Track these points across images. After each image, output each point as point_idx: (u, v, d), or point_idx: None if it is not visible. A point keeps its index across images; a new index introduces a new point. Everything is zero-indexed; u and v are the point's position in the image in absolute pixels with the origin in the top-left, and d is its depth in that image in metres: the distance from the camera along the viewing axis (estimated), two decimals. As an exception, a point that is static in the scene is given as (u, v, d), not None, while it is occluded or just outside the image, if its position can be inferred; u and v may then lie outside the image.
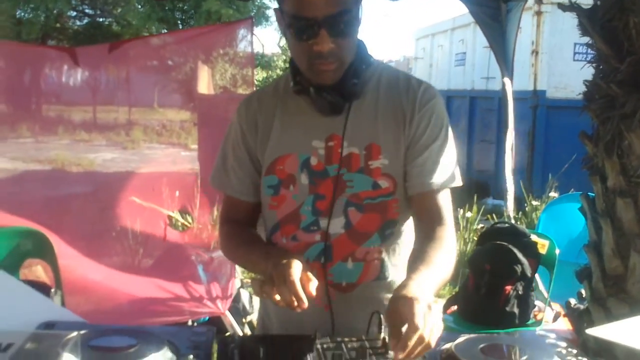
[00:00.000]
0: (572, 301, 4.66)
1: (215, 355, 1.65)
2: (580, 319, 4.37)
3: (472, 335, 1.80)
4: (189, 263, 4.48)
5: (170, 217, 5.15)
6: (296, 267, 1.72)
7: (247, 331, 4.51)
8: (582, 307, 4.54)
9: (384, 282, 2.03)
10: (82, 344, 1.59)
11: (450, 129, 2.05)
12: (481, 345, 1.70)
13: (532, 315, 4.20)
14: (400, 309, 1.60)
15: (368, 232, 2.01)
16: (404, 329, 1.55)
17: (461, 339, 1.75)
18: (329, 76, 1.90)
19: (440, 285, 1.83)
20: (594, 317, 3.72)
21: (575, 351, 1.74)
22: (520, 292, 4.04)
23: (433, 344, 1.57)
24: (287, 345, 1.71)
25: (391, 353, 1.55)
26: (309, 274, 1.73)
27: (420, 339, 1.54)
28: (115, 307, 4.07)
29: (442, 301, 4.81)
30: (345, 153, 1.97)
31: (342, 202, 1.99)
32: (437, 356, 1.69)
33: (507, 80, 5.98)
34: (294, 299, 1.67)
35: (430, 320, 1.57)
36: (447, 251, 1.90)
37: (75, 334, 1.31)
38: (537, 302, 4.26)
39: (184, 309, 4.12)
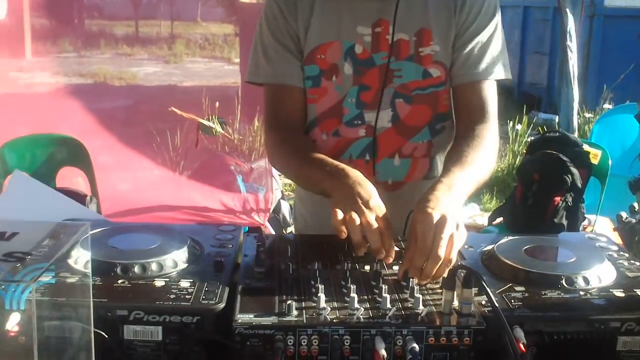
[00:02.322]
0: (624, 214, 4.49)
1: (240, 254, 1.56)
2: (631, 232, 4.21)
3: (514, 237, 1.68)
4: (228, 173, 4.41)
5: (210, 128, 5.06)
6: (384, 209, 1.53)
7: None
8: (633, 220, 4.38)
9: (431, 181, 1.91)
10: (101, 240, 1.52)
11: (500, 20, 1.89)
12: (525, 247, 1.58)
13: (581, 228, 4.06)
14: (416, 229, 1.44)
15: (417, 125, 1.87)
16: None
17: (504, 240, 1.63)
18: None
19: (475, 187, 1.68)
20: (647, 228, 3.56)
21: (627, 255, 1.61)
22: (569, 204, 3.88)
23: (453, 259, 1.40)
24: (319, 245, 1.61)
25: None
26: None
27: (435, 259, 1.38)
28: (148, 217, 4.03)
29: (487, 214, 4.69)
30: (394, 39, 1.82)
31: (390, 93, 1.85)
32: (477, 258, 1.57)
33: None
34: (383, 249, 1.47)
35: (444, 235, 1.39)
36: (486, 150, 1.75)
37: (88, 227, 1.22)
38: (586, 215, 4.11)
39: (221, 219, 4.07)
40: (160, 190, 4.36)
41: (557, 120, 7.72)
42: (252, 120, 5.43)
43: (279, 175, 5.04)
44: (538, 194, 3.92)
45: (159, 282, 1.36)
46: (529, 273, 1.44)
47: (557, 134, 4.27)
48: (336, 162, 1.68)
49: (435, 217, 1.42)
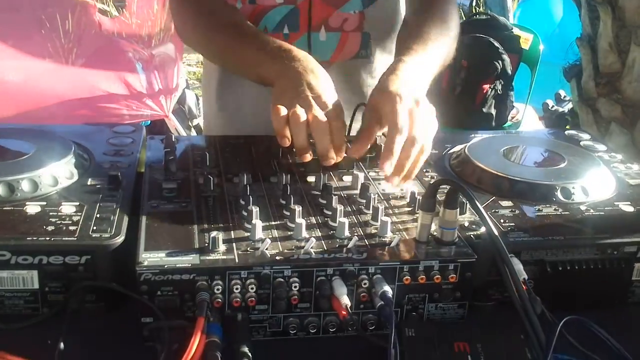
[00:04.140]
0: (550, 102, 4.32)
1: (143, 164, 1.20)
2: (558, 121, 4.04)
3: (484, 135, 1.38)
4: (126, 60, 3.92)
5: (105, 11, 4.52)
6: (340, 105, 1.19)
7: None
8: (560, 109, 4.20)
9: (364, 61, 1.58)
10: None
11: None
12: (502, 148, 1.27)
13: (509, 118, 3.85)
14: (379, 107, 1.15)
15: None
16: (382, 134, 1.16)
17: (475, 139, 1.32)
18: None
19: (439, 71, 1.37)
20: (582, 119, 3.36)
21: (619, 156, 1.34)
22: (498, 92, 3.66)
23: (428, 148, 1.13)
24: (245, 148, 1.26)
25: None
26: None
27: (410, 142, 1.09)
28: (43, 112, 3.54)
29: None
30: None
31: None
32: (444, 163, 1.26)
33: None
34: (332, 151, 1.12)
35: (419, 118, 1.12)
36: (450, 26, 1.42)
37: None
38: (515, 104, 3.90)
39: (122, 112, 3.62)
40: (52, 81, 3.82)
41: (472, 3, 7.42)
42: (151, 3, 4.90)
43: (182, 61, 4.59)
44: (466, 81, 3.66)
45: (32, 208, 0.99)
46: (516, 183, 1.14)
47: (486, 16, 3.98)
48: (279, 41, 1.30)
49: (405, 99, 1.12)
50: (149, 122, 3.78)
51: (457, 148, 1.30)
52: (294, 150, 1.13)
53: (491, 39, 3.59)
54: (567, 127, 3.78)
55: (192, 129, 4.14)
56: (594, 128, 3.29)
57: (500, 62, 3.59)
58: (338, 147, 1.12)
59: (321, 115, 1.10)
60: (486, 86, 3.62)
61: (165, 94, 3.75)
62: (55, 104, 3.66)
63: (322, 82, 1.18)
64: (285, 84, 1.19)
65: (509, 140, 1.34)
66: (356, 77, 1.59)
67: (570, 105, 4.01)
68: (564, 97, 4.24)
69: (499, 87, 3.64)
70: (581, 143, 1.40)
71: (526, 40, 3.84)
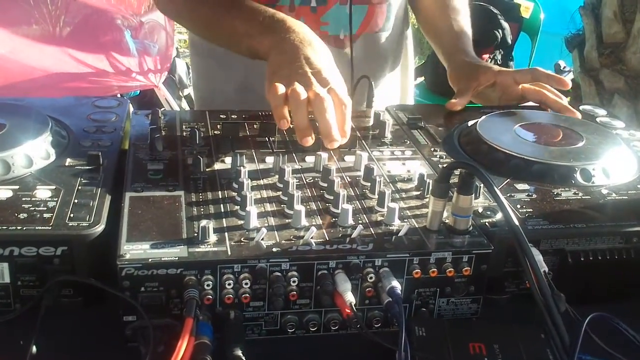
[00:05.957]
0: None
1: (127, 140, 1.10)
2: (559, 92, 3.94)
3: (493, 111, 1.29)
4: (114, 28, 3.79)
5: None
6: (342, 80, 1.09)
7: (185, 107, 3.97)
8: (560, 79, 4.11)
9: (385, 35, 1.51)
10: None
11: None
12: (516, 126, 1.18)
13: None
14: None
15: None
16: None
17: (486, 115, 1.22)
18: None
19: None
20: (583, 91, 3.27)
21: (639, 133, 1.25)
22: (498, 62, 3.56)
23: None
24: (238, 123, 1.16)
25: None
26: None
27: None
28: (28, 85, 3.41)
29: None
30: None
31: None
32: (452, 141, 1.17)
33: None
34: (335, 133, 1.02)
35: None
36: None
37: None
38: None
39: (110, 84, 3.49)
40: (37, 52, 3.68)
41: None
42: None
43: (173, 30, 4.46)
44: (465, 51, 3.55)
45: (3, 193, 0.90)
46: (532, 164, 1.05)
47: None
48: (272, 10, 1.19)
49: None
50: (138, 92, 3.67)
51: (467, 124, 1.21)
52: (295, 132, 1.03)
53: (491, 7, 3.49)
54: (568, 98, 3.68)
55: (183, 99, 4.02)
56: (597, 100, 3.21)
57: (500, 31, 3.49)
58: (342, 126, 1.03)
59: (323, 92, 1.01)
60: (485, 56, 3.52)
61: (156, 72, 3.63)
62: (42, 76, 3.53)
63: (321, 55, 1.08)
64: (280, 58, 1.09)
65: (522, 117, 1.25)
66: (377, 51, 1.52)
67: (570, 76, 3.91)
68: (564, 67, 4.15)
69: (499, 56, 3.55)
70: (597, 119, 1.31)
71: (527, 9, 3.74)
